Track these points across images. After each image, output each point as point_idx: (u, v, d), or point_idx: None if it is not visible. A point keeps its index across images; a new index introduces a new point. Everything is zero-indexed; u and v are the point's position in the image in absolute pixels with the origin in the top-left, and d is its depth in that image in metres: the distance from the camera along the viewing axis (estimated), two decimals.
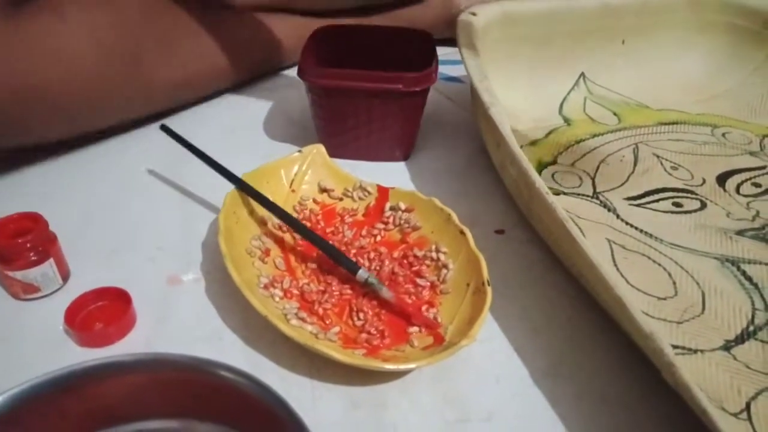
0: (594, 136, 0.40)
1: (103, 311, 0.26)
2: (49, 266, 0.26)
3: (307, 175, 0.33)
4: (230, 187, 0.30)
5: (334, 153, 0.35)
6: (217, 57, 0.41)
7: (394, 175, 0.37)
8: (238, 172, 0.30)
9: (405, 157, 0.38)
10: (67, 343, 0.25)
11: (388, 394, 0.24)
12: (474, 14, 0.37)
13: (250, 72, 0.45)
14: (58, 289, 0.27)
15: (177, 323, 0.26)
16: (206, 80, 0.42)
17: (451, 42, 0.36)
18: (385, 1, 0.48)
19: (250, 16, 0.44)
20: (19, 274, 0.26)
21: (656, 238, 0.31)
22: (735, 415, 0.22)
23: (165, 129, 0.34)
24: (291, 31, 0.46)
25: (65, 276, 0.28)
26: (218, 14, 0.42)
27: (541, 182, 0.26)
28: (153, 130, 0.40)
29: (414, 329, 0.25)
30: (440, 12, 0.46)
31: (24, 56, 0.32)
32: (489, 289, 0.25)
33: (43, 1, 0.34)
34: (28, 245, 0.26)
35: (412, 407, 0.23)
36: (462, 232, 0.28)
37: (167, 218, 0.32)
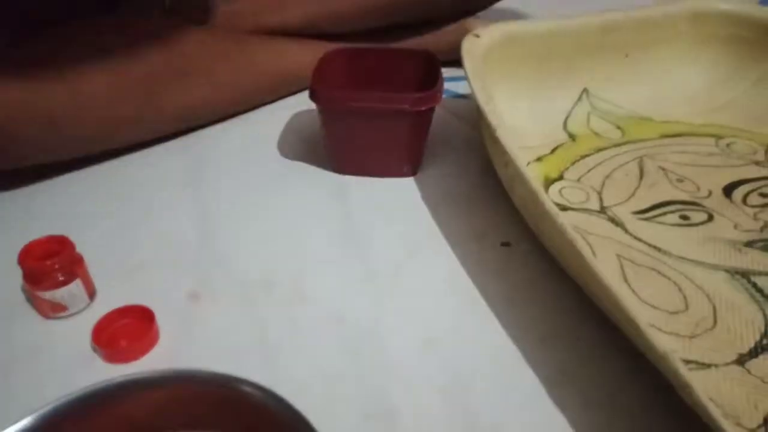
0: (599, 150, 0.40)
1: (127, 328, 0.27)
2: (75, 286, 0.27)
3: None
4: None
5: (343, 169, 0.36)
6: (232, 83, 0.42)
7: (403, 189, 0.37)
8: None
9: (413, 173, 0.39)
10: (94, 360, 0.26)
11: (400, 405, 0.24)
12: (477, 36, 0.38)
13: (266, 96, 0.45)
14: (85, 308, 0.28)
15: (197, 338, 0.27)
16: (220, 106, 0.43)
17: (458, 62, 0.37)
18: (404, 23, 0.49)
19: (267, 41, 0.44)
20: (47, 295, 0.27)
21: (665, 251, 0.31)
22: (753, 430, 0.22)
23: None
24: (308, 56, 0.45)
25: (91, 294, 0.29)
26: (235, 40, 0.43)
27: (550, 203, 0.26)
28: (171, 148, 0.41)
29: None
30: (453, 39, 0.47)
31: (31, 76, 0.33)
32: None
33: (58, 26, 0.35)
34: (56, 266, 0.27)
35: (422, 417, 0.23)
36: None
37: (186, 235, 0.33)
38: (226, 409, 0.18)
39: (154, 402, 0.18)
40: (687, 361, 0.25)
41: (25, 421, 0.17)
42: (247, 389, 0.17)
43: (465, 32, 0.38)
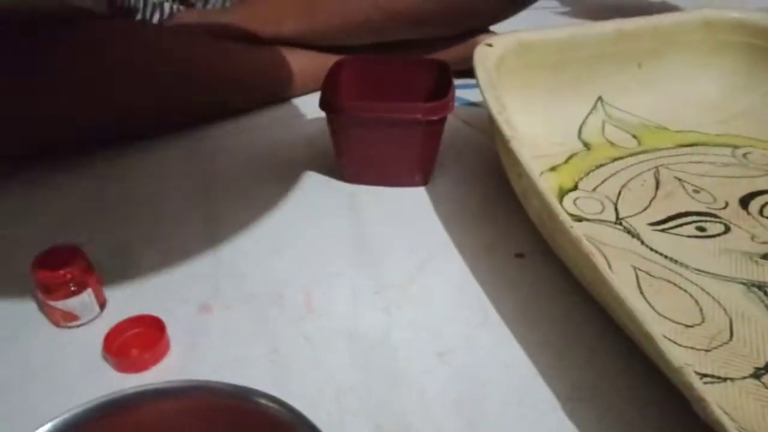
0: (614, 160, 0.40)
1: (138, 338, 0.27)
2: (87, 296, 0.28)
3: None
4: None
5: (354, 179, 0.35)
6: (211, 79, 0.44)
7: (414, 200, 0.38)
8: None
9: (424, 183, 0.39)
10: (105, 369, 0.26)
11: (412, 418, 0.24)
12: (490, 45, 0.38)
13: (269, 96, 0.48)
14: (96, 317, 0.29)
15: (208, 349, 0.27)
16: (195, 103, 0.45)
17: (469, 70, 0.37)
18: (405, 39, 0.49)
19: (276, 49, 0.47)
20: (59, 304, 0.27)
21: (681, 263, 0.31)
22: None
23: None
24: (310, 64, 0.49)
25: (102, 304, 0.29)
26: (215, 41, 0.45)
27: (565, 216, 0.26)
28: (181, 158, 0.42)
29: None
30: (464, 53, 0.48)
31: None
32: None
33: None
34: (68, 276, 0.27)
35: (434, 431, 0.23)
36: None
37: (196, 246, 0.34)
38: (241, 421, 0.18)
39: (167, 412, 0.18)
40: (703, 375, 0.25)
41: (45, 428, 0.17)
42: (264, 402, 0.17)
43: (476, 45, 0.38)
